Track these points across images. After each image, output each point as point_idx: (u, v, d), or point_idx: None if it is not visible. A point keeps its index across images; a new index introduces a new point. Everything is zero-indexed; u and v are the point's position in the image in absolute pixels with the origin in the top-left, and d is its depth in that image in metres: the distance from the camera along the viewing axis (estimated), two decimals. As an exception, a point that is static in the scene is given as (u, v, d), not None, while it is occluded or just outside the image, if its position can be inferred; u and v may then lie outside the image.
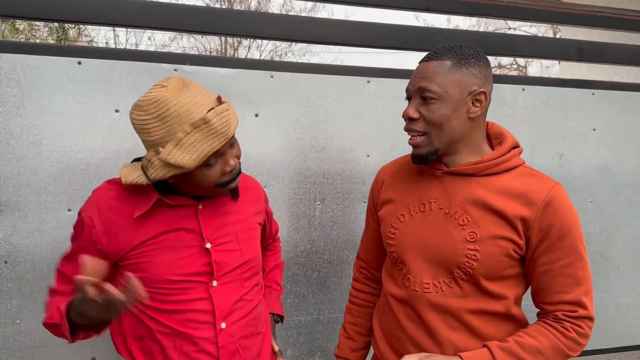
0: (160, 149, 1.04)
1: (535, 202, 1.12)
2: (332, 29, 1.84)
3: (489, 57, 1.32)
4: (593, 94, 2.09)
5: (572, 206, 1.14)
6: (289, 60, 16.39)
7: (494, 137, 1.26)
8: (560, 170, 2.05)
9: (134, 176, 1.09)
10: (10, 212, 1.51)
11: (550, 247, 1.12)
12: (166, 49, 16.86)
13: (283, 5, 16.04)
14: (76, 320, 1.05)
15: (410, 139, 1.18)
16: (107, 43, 14.59)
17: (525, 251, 1.14)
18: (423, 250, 1.19)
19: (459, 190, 1.18)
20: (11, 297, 1.53)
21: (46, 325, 1.13)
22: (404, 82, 1.87)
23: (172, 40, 17.78)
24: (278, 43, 16.22)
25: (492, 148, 1.23)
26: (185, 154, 1.02)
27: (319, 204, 1.82)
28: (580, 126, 2.08)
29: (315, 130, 1.79)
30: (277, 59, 16.90)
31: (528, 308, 1.24)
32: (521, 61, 14.92)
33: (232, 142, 1.13)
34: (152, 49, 16.93)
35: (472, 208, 1.15)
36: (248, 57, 16.91)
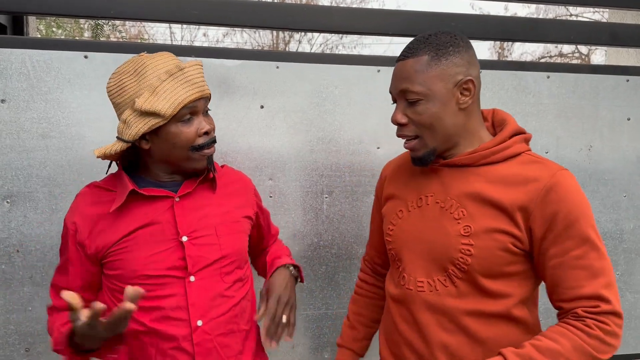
0: (136, 99, 1.05)
1: (535, 189, 1.04)
2: (370, 19, 1.81)
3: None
4: (627, 80, 1.94)
5: (579, 191, 1.05)
6: (339, 51, 16.44)
7: (497, 124, 1.19)
8: (590, 162, 1.92)
9: (107, 147, 1.11)
10: (21, 202, 1.57)
11: (557, 237, 1.03)
12: (220, 44, 17.25)
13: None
14: (86, 345, 1.04)
15: (404, 142, 1.13)
16: (155, 40, 15.03)
17: (530, 246, 1.06)
18: (418, 246, 1.15)
19: (455, 182, 1.12)
20: (23, 284, 1.59)
21: (57, 351, 1.12)
22: (417, 71, 1.81)
23: (225, 36, 18.09)
24: (329, 36, 16.19)
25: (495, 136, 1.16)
26: (161, 100, 1.05)
27: (326, 197, 1.78)
28: (613, 115, 1.93)
29: (323, 121, 1.76)
30: (327, 52, 16.94)
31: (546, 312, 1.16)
32: (584, 49, 14.11)
33: (206, 110, 1.15)
34: (206, 44, 17.34)
35: (468, 201, 1.09)
36: (299, 50, 17.03)
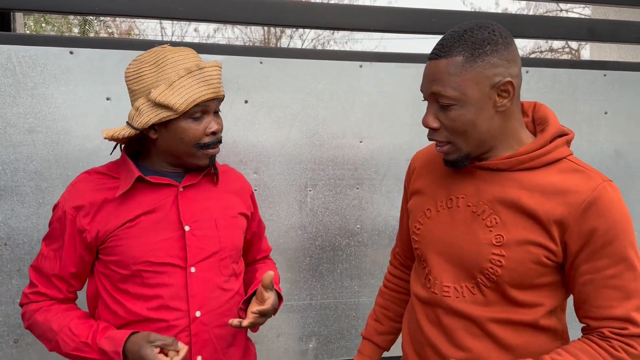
0: (152, 90, 1.09)
1: (574, 203, 0.98)
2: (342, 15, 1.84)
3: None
4: (605, 75, 1.98)
5: (622, 207, 0.99)
6: (331, 47, 16.47)
7: (538, 122, 1.10)
8: (568, 155, 1.97)
9: (116, 130, 1.14)
10: (8, 196, 1.59)
11: (593, 254, 0.98)
12: (211, 39, 17.20)
13: (325, -6, 16.01)
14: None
15: (436, 146, 1.07)
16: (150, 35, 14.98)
17: (564, 258, 1.01)
18: (446, 250, 1.10)
19: (489, 186, 1.05)
20: (11, 277, 1.61)
21: (68, 355, 1.13)
22: (400, 66, 1.84)
23: (216, 31, 18.05)
24: (320, 31, 16.22)
25: (535, 135, 1.08)
26: (175, 95, 1.08)
27: (310, 190, 1.82)
28: (591, 110, 1.98)
29: (306, 116, 1.79)
30: (319, 47, 16.96)
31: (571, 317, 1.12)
32: (574, 44, 14.18)
33: (217, 110, 1.18)
34: (197, 40, 17.30)
35: (502, 208, 1.03)
36: (290, 45, 17.04)
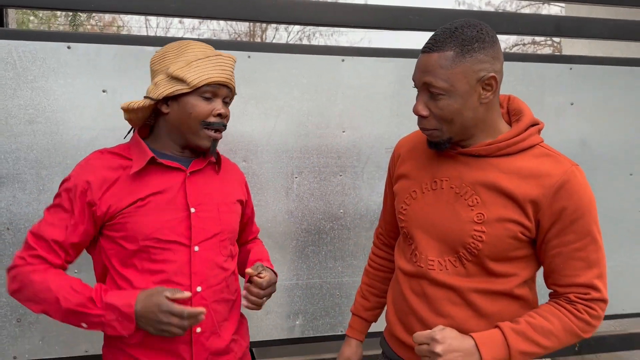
0: (171, 66, 1.22)
1: (547, 185, 1.10)
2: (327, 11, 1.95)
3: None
4: (571, 68, 2.12)
5: (588, 189, 1.12)
6: (316, 40, 16.55)
7: (512, 113, 1.23)
8: (536, 144, 2.11)
9: (133, 101, 1.24)
10: (10, 184, 1.68)
11: (562, 230, 1.10)
12: (196, 32, 17.17)
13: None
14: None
15: (423, 130, 1.19)
16: (131, 28, 14.89)
17: (536, 234, 1.13)
18: (431, 228, 1.21)
19: (470, 170, 1.17)
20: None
21: (69, 312, 1.14)
22: (379, 61, 1.96)
23: (201, 23, 18.01)
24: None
25: (511, 125, 1.21)
26: (191, 72, 1.21)
27: (296, 177, 1.93)
28: (558, 101, 2.12)
29: (292, 108, 1.90)
30: (305, 39, 17.06)
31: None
32: (556, 37, 14.47)
33: (226, 99, 1.29)
34: (181, 32, 17.26)
35: (482, 189, 1.14)
36: (276, 38, 17.12)
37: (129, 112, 1.27)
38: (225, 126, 1.29)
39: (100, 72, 1.72)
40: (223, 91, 1.26)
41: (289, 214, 1.93)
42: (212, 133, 1.26)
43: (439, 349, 1.04)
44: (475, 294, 1.16)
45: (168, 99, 1.24)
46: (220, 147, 1.83)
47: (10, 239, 1.70)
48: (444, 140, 1.16)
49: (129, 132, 1.39)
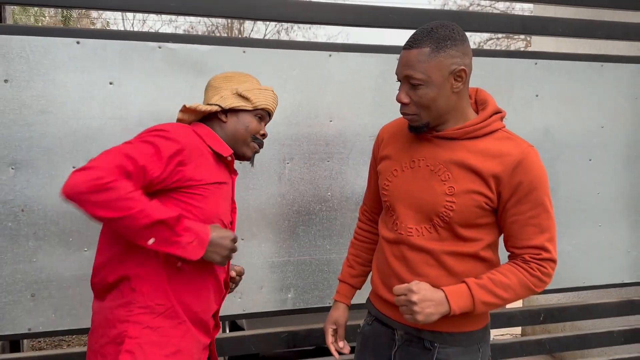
0: (239, 87, 1.49)
1: (507, 162, 1.29)
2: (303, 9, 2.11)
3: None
4: (536, 63, 2.34)
5: (541, 166, 1.31)
6: (294, 33, 16.73)
7: (479, 103, 1.42)
8: (505, 132, 2.32)
9: (198, 104, 1.47)
10: (24, 169, 1.82)
11: (519, 200, 1.29)
12: (173, 24, 17.17)
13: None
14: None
15: (404, 116, 1.37)
16: (108, 20, 14.83)
17: (497, 204, 1.32)
18: (410, 200, 1.39)
19: (444, 151, 1.35)
20: (28, 239, 1.84)
21: (150, 224, 1.20)
22: (363, 56, 2.14)
23: (178, 15, 18.04)
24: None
25: (478, 113, 1.39)
26: (256, 95, 1.50)
27: (288, 163, 2.10)
28: (524, 93, 2.33)
29: (283, 99, 2.07)
30: (282, 32, 17.23)
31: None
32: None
33: (267, 123, 1.58)
34: (159, 24, 17.27)
35: (453, 167, 1.33)
36: (254, 30, 17.25)
37: (190, 112, 1.48)
38: (263, 145, 1.58)
39: (107, 66, 1.86)
40: (267, 119, 1.56)
41: (281, 197, 2.11)
42: (256, 146, 1.54)
43: (414, 297, 1.24)
44: (446, 256, 1.36)
45: (227, 111, 1.49)
46: (218, 135, 2.00)
47: (25, 220, 1.84)
48: (422, 125, 1.35)
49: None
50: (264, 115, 1.53)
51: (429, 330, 1.38)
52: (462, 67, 1.29)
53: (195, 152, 1.35)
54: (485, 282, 1.30)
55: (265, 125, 1.56)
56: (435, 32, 1.28)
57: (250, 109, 1.49)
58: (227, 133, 1.49)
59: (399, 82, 1.37)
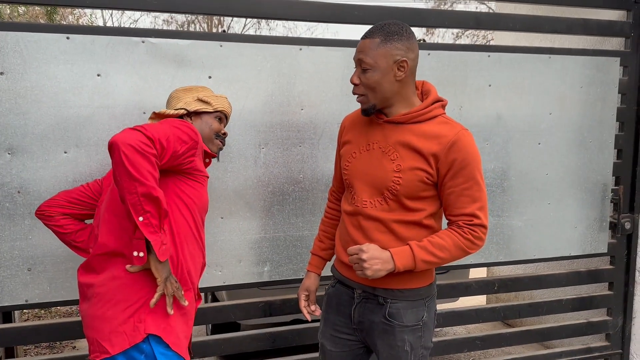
0: (200, 94, 1.79)
1: (443, 143, 1.51)
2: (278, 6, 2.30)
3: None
4: (489, 56, 2.56)
5: (473, 145, 1.53)
6: (274, 23, 16.86)
7: (424, 93, 1.64)
8: (461, 119, 2.55)
9: (166, 110, 1.76)
10: (20, 154, 1.98)
11: (454, 175, 1.51)
12: (152, 14, 17.14)
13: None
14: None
15: (356, 98, 1.60)
16: (92, 14, 14.74)
17: (436, 178, 1.54)
18: (365, 178, 1.60)
19: (393, 134, 1.57)
20: (24, 218, 2.02)
21: (156, 197, 1.39)
22: (330, 50, 2.34)
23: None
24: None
25: (423, 101, 1.60)
26: (214, 100, 1.79)
27: (263, 148, 2.30)
28: (478, 83, 2.56)
29: (258, 89, 2.26)
30: (263, 22, 17.36)
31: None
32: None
33: (225, 125, 1.87)
34: (138, 14, 17.19)
35: (400, 147, 1.55)
36: (234, 20, 17.37)
37: (159, 118, 1.75)
38: (225, 143, 1.92)
39: (95, 59, 2.03)
40: (225, 121, 1.85)
41: (257, 179, 2.31)
42: (220, 143, 1.81)
43: (364, 256, 1.47)
44: (395, 224, 1.58)
45: (192, 114, 1.77)
46: (198, 122, 2.18)
47: (21, 201, 2.01)
48: (370, 106, 1.57)
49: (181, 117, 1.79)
50: (222, 117, 1.81)
51: (382, 288, 1.61)
52: (405, 59, 1.51)
53: (200, 148, 1.63)
54: (424, 244, 1.53)
55: (224, 126, 1.84)
56: (387, 27, 1.51)
57: (211, 110, 1.77)
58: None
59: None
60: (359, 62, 1.54)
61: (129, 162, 1.33)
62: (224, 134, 1.82)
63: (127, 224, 1.51)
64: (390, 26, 1.52)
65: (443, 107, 1.63)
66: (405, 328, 1.61)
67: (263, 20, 16.72)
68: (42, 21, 11.07)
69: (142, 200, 1.36)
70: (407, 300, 1.62)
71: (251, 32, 17.62)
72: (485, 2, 13.41)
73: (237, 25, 17.27)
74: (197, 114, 1.77)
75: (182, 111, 1.75)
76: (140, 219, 1.39)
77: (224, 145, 1.83)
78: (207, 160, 1.81)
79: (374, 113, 1.60)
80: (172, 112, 1.74)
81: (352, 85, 1.59)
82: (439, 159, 1.52)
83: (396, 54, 1.50)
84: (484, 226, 1.55)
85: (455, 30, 14.85)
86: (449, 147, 1.51)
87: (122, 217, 1.54)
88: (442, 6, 14.41)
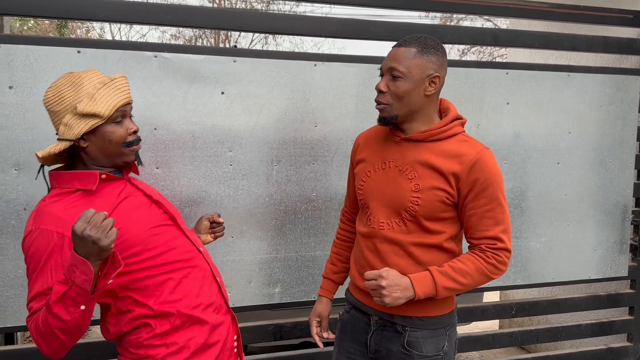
0: (77, 105, 1.27)
1: (465, 162, 1.45)
2: (293, 22, 2.27)
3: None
4: (507, 73, 2.51)
5: (495, 165, 1.47)
6: (281, 39, 17.03)
7: (443, 110, 1.58)
8: (478, 137, 2.48)
9: (50, 148, 1.30)
10: (27, 170, 1.93)
11: (476, 196, 1.45)
12: (160, 28, 17.33)
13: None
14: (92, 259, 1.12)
15: (377, 105, 1.51)
16: (102, 28, 14.91)
17: (457, 199, 1.47)
18: (381, 197, 1.54)
19: (410, 153, 1.51)
20: (30, 236, 1.95)
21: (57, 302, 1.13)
22: (345, 66, 2.29)
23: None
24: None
25: (441, 119, 1.55)
26: (99, 104, 1.29)
27: (275, 165, 2.24)
28: (496, 101, 2.50)
29: (272, 105, 2.21)
30: (270, 37, 17.53)
31: (416, 232, 1.66)
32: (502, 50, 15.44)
33: (130, 115, 1.40)
34: (146, 28, 17.38)
35: (418, 166, 1.49)
36: (242, 35, 17.60)
37: (48, 159, 1.34)
38: (140, 138, 1.41)
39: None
40: (128, 109, 1.38)
41: (269, 197, 2.24)
42: (134, 148, 1.39)
43: (383, 282, 1.39)
44: (414, 247, 1.51)
45: (84, 134, 1.31)
46: (210, 139, 2.13)
47: (26, 217, 1.94)
48: (391, 116, 1.50)
49: (38, 172, 1.43)
50: (123, 112, 1.35)
51: (400, 315, 1.53)
52: (438, 74, 1.47)
53: (69, 222, 1.24)
54: (446, 270, 1.45)
55: (129, 117, 1.39)
56: (424, 39, 1.47)
57: (103, 122, 1.31)
58: (96, 155, 1.35)
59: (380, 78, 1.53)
60: (389, 70, 1.48)
61: (41, 345, 1.21)
62: (134, 132, 1.38)
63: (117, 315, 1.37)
64: (427, 39, 1.47)
65: (462, 125, 1.58)
66: (425, 358, 1.53)
67: (270, 36, 16.87)
68: (52, 35, 11.18)
69: (72, 309, 1.16)
70: (427, 329, 1.54)
71: (258, 47, 17.74)
72: (492, 19, 13.49)
73: (244, 40, 17.37)
74: (89, 132, 1.31)
75: (66, 143, 1.29)
76: (82, 307, 1.16)
77: (139, 146, 1.41)
78: (103, 177, 1.36)
79: (392, 124, 1.54)
80: (56, 149, 1.30)
81: (367, 103, 1.54)
82: (460, 178, 1.46)
83: (430, 67, 1.46)
84: (507, 250, 1.48)
85: (461, 47, 14.90)
86: (471, 167, 1.45)
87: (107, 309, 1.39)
88: (448, 22, 14.44)
